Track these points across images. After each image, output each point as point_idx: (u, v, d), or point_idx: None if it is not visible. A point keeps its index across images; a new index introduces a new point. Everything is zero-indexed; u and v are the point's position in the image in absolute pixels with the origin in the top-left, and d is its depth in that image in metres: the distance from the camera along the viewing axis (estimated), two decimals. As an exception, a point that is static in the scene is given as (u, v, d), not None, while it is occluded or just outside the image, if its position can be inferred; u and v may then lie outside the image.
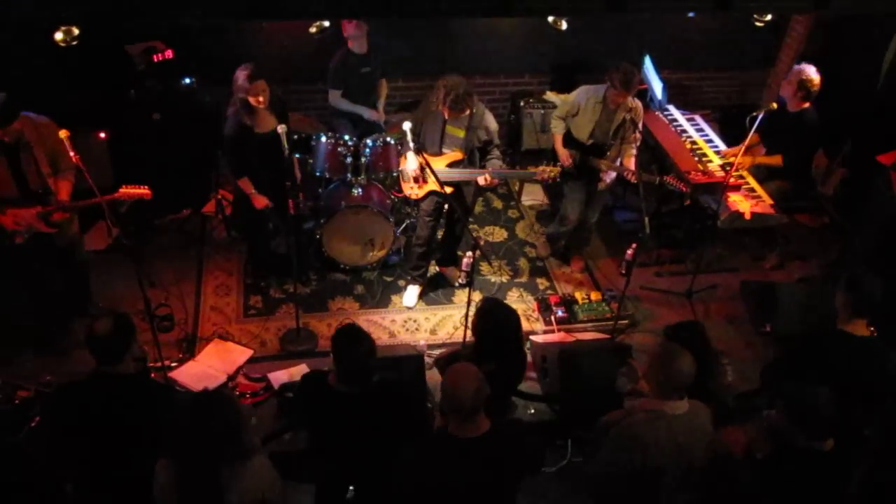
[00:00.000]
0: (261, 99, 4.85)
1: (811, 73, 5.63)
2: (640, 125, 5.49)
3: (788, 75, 5.80)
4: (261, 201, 5.24)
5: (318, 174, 5.78)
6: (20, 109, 4.34)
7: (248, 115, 4.96)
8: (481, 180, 5.18)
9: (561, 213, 6.01)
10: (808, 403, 3.20)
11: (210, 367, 5.05)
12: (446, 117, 5.10)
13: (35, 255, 4.72)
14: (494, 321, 3.94)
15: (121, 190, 4.55)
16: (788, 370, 4.04)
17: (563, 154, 5.62)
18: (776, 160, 5.90)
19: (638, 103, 5.50)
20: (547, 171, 5.30)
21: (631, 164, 5.44)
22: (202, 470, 2.86)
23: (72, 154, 4.29)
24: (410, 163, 5.39)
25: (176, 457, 2.93)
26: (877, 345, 3.96)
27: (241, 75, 4.81)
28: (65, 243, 4.85)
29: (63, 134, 4.32)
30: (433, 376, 4.97)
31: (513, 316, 4.02)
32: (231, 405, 3.00)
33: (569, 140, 5.67)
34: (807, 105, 5.70)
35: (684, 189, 5.49)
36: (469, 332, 5.07)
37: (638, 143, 5.28)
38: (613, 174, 5.64)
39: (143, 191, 4.56)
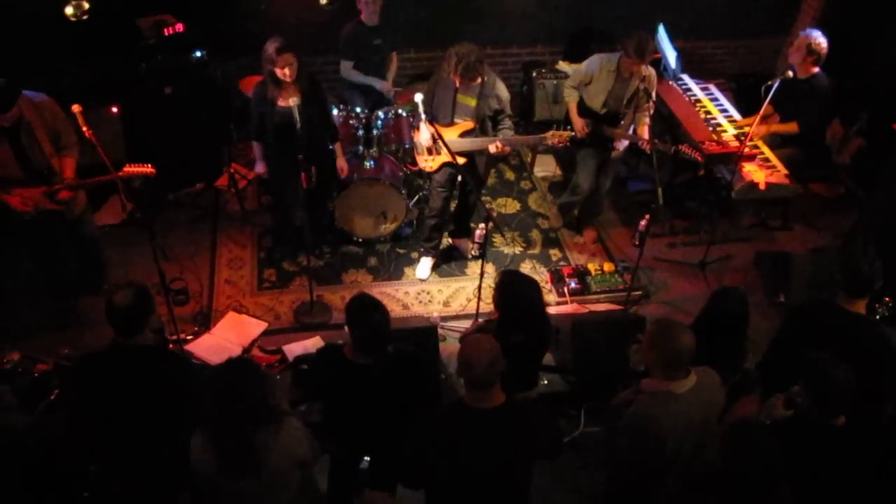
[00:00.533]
0: (287, 72, 4.82)
1: (818, 37, 5.57)
2: (654, 94, 5.44)
3: (795, 42, 5.73)
4: (259, 167, 5.40)
5: (330, 147, 5.78)
6: (19, 94, 4.31)
7: (273, 86, 4.95)
8: (492, 148, 5.15)
9: (573, 183, 5.99)
10: (827, 376, 3.18)
11: (225, 339, 5.09)
12: (458, 86, 5.07)
13: (45, 230, 4.74)
14: (515, 294, 3.94)
15: (125, 168, 4.50)
16: (787, 344, 4.00)
17: (579, 123, 5.58)
18: (791, 127, 5.84)
19: (651, 71, 5.45)
20: (557, 135, 5.27)
21: (645, 132, 5.41)
22: (237, 437, 2.89)
23: (84, 129, 4.28)
24: (423, 134, 5.38)
25: (209, 427, 2.95)
26: (869, 322, 3.88)
27: (270, 47, 4.81)
28: (74, 217, 4.86)
29: (76, 108, 4.32)
30: (446, 348, 5.00)
31: (533, 286, 4.02)
32: (256, 370, 3.02)
33: (582, 109, 5.62)
34: (816, 70, 5.64)
35: (699, 158, 5.45)
36: (481, 304, 5.11)
37: (651, 112, 5.23)
38: (626, 142, 5.62)
39: (147, 169, 4.52)
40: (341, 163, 5.50)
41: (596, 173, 5.82)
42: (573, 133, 5.41)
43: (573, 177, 6.01)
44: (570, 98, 5.68)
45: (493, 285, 4.06)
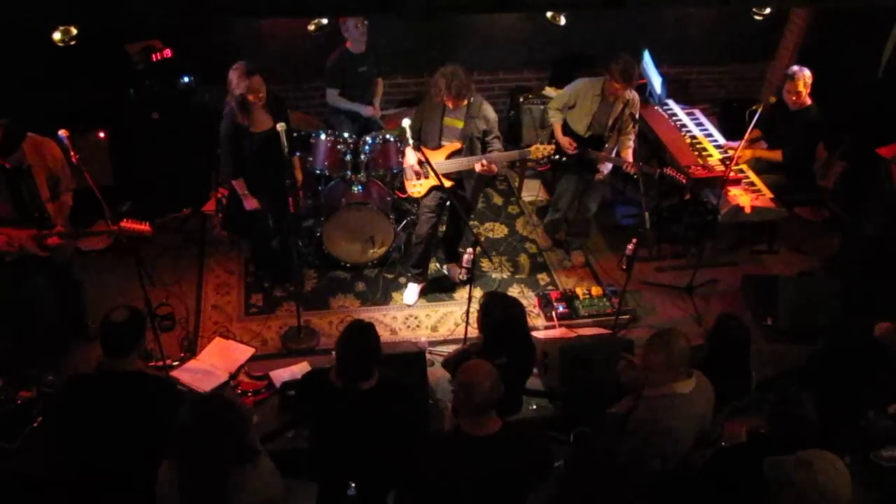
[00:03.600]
0: (261, 94, 4.81)
1: (808, 74, 5.67)
2: (638, 117, 5.49)
3: (788, 83, 5.77)
4: (251, 203, 5.21)
5: (317, 172, 5.78)
6: (23, 137, 4.25)
7: (243, 114, 4.88)
8: (478, 167, 5.16)
9: (553, 201, 6.14)
10: (794, 415, 3.26)
11: (212, 365, 5.05)
12: (451, 107, 5.10)
13: (24, 277, 4.68)
14: (499, 315, 3.94)
15: (121, 223, 4.40)
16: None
17: (565, 141, 5.62)
18: (776, 155, 5.91)
19: (635, 95, 5.51)
20: (541, 149, 5.30)
21: (629, 156, 5.47)
22: (209, 475, 2.82)
23: (72, 154, 4.26)
24: (410, 158, 5.40)
25: (181, 462, 2.88)
26: None
27: (234, 75, 4.76)
28: (63, 259, 4.78)
29: (63, 133, 4.30)
30: (434, 373, 4.98)
31: (517, 307, 4.02)
32: (233, 408, 2.96)
33: (567, 133, 5.68)
34: (809, 102, 5.72)
35: (683, 180, 5.50)
36: (469, 329, 5.10)
37: (635, 136, 5.29)
38: (610, 165, 5.65)
39: (144, 227, 4.42)
40: (298, 174, 5.41)
41: (576, 195, 5.88)
42: (563, 155, 5.44)
43: (553, 197, 6.14)
44: (555, 119, 5.73)
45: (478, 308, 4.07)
